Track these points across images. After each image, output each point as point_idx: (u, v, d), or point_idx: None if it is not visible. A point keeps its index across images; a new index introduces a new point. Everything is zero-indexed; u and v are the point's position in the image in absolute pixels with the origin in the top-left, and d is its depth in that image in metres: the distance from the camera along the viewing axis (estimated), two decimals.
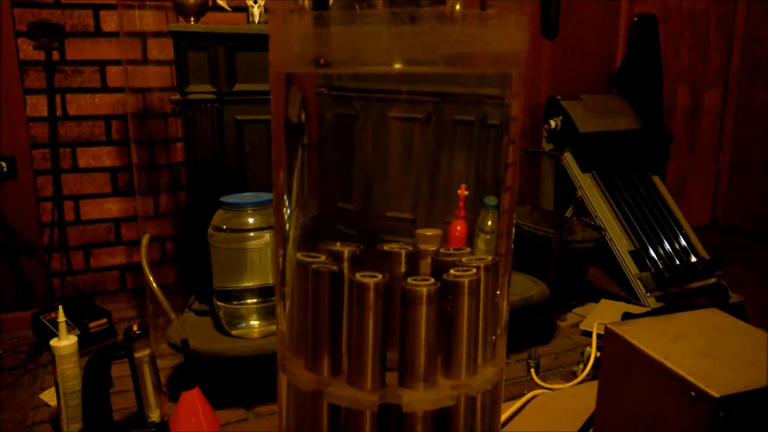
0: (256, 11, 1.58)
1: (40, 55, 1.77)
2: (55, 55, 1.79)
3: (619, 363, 0.87)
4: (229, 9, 1.62)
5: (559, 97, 2.33)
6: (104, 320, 1.71)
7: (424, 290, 0.51)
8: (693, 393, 0.75)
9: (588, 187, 2.22)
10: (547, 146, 2.36)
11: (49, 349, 1.29)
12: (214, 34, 1.48)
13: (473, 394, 0.55)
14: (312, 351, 0.55)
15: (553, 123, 2.29)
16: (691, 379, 0.75)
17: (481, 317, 0.56)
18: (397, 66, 0.41)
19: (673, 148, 2.74)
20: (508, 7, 0.44)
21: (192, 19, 1.52)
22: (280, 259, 0.58)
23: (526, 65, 0.50)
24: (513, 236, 0.58)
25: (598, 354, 1.48)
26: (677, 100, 2.86)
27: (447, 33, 0.41)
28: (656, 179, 2.37)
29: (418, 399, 0.52)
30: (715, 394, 0.72)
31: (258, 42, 1.52)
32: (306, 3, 0.45)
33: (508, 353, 1.61)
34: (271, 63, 0.51)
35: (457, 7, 0.42)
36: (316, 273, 0.53)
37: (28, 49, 1.75)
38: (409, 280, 0.52)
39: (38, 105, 1.79)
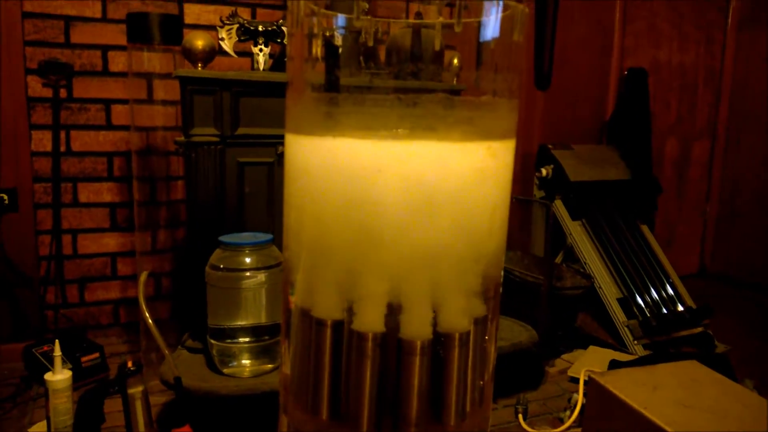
0: (260, 58, 1.65)
1: (48, 92, 1.83)
2: (63, 93, 1.86)
3: (602, 411, 0.92)
4: (235, 55, 1.69)
5: (550, 146, 2.41)
6: (96, 354, 1.74)
7: (418, 342, 0.56)
8: None
9: (578, 235, 2.28)
10: (538, 193, 2.43)
11: (41, 382, 1.32)
12: (220, 80, 1.55)
13: None
14: (312, 394, 0.59)
15: (544, 171, 2.37)
16: (669, 429, 0.79)
17: (470, 366, 0.61)
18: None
19: (662, 197, 2.82)
20: (501, 92, 0.50)
21: (200, 65, 1.59)
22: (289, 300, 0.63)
23: (516, 136, 0.56)
24: (502, 282, 0.63)
25: (585, 401, 1.52)
26: (666, 150, 2.95)
27: (446, 116, 0.47)
28: (645, 228, 2.44)
29: None
30: None
31: (261, 88, 1.59)
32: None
33: (496, 398, 1.66)
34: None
35: (457, 96, 0.48)
36: (320, 322, 0.58)
37: (36, 86, 1.82)
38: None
39: (43, 140, 1.85)
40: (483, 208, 0.50)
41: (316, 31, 0.50)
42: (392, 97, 0.46)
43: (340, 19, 0.52)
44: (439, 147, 0.47)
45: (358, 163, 0.47)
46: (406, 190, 0.47)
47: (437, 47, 0.51)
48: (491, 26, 0.48)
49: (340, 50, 0.51)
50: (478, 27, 0.50)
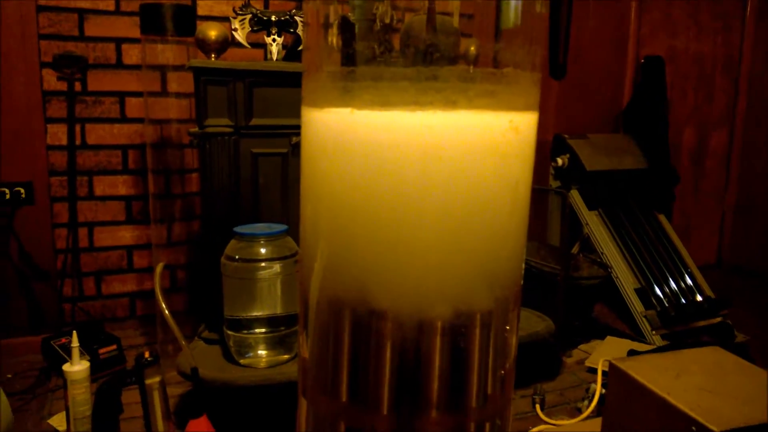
0: (274, 48, 1.65)
1: (62, 86, 1.84)
2: (77, 86, 1.86)
3: (623, 398, 0.91)
4: (248, 46, 1.69)
5: (566, 136, 2.39)
6: (114, 346, 1.75)
7: (439, 323, 0.55)
8: (694, 428, 0.78)
9: (594, 225, 2.26)
10: (554, 183, 2.41)
11: (59, 373, 1.33)
12: (234, 71, 1.54)
13: (484, 421, 0.58)
14: (332, 377, 0.59)
15: (560, 161, 2.35)
16: (693, 414, 0.78)
17: (491, 349, 0.60)
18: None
19: (680, 188, 2.79)
20: (522, 65, 0.49)
21: (213, 55, 1.58)
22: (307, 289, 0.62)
23: (538, 111, 0.55)
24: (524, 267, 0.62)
25: (603, 391, 1.50)
26: (683, 140, 2.92)
27: (466, 89, 0.46)
28: (662, 218, 2.41)
29: (431, 423, 0.55)
30: (716, 429, 0.76)
31: (275, 78, 1.59)
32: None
33: (514, 388, 1.64)
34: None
35: (471, 69, 0.47)
36: (338, 304, 0.57)
37: (51, 80, 1.83)
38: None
39: (58, 134, 1.86)
40: (505, 184, 0.49)
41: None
42: (411, 70, 0.45)
43: None
44: (459, 120, 0.46)
45: (375, 137, 0.46)
46: (424, 165, 0.46)
47: (456, 23, 0.49)
48: None
49: (357, 25, 0.50)
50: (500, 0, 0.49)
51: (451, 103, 0.46)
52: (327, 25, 0.52)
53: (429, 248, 0.52)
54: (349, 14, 0.53)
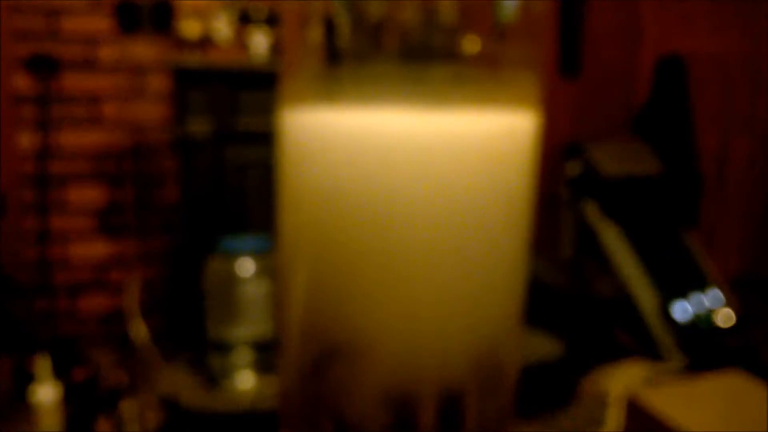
0: (260, 47, 1.64)
1: (34, 90, 1.83)
2: (51, 89, 1.86)
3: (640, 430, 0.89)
4: (232, 44, 1.68)
5: (579, 141, 2.38)
6: (88, 368, 1.73)
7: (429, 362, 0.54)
8: None
9: (611, 238, 2.24)
10: (565, 192, 2.40)
11: (30, 398, 1.31)
12: (217, 71, 1.54)
13: None
14: (313, 409, 0.57)
15: (572, 168, 2.33)
16: None
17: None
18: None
19: (702, 196, 2.77)
20: (520, 63, 0.48)
21: (194, 54, 1.58)
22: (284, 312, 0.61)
23: (541, 113, 0.53)
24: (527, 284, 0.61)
25: (621, 421, 1.48)
26: (703, 146, 2.91)
27: (458, 89, 0.45)
28: (683, 229, 2.39)
29: None
30: None
31: (262, 79, 1.58)
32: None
33: (522, 416, 1.62)
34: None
35: (464, 67, 0.46)
36: (317, 339, 0.56)
37: (23, 83, 1.82)
38: None
39: (31, 140, 1.85)
40: (500, 193, 0.48)
41: None
42: (399, 69, 0.44)
43: None
44: (450, 124, 0.45)
45: (359, 140, 0.45)
46: (413, 171, 0.45)
47: (449, 18, 0.48)
48: None
49: (341, 22, 0.49)
50: None
51: (440, 104, 0.45)
52: (307, 22, 0.51)
53: (420, 264, 0.50)
54: (333, 10, 0.52)
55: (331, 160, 0.52)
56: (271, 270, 1.43)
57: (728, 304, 2.28)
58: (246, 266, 1.42)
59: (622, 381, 1.70)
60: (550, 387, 1.84)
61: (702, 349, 2.08)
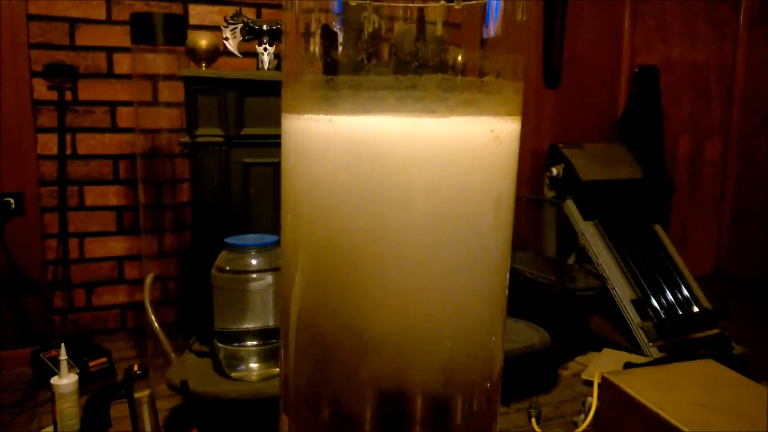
0: (265, 58, 1.64)
1: (53, 95, 1.83)
2: (68, 96, 1.86)
3: (617, 412, 0.89)
4: (240, 55, 1.68)
5: (561, 145, 2.38)
6: (103, 359, 1.73)
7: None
8: None
9: (590, 235, 2.25)
10: (549, 193, 2.40)
11: (48, 387, 1.31)
12: (225, 80, 1.54)
13: None
14: (313, 394, 0.57)
15: (555, 170, 2.34)
16: (685, 429, 0.77)
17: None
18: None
19: (676, 197, 2.78)
20: (504, 73, 0.48)
21: (203, 64, 1.58)
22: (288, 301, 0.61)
23: (524, 119, 0.54)
24: (509, 278, 0.61)
25: (599, 403, 1.49)
26: (679, 149, 2.92)
27: (446, 98, 0.45)
28: (658, 228, 2.40)
29: None
30: None
31: (266, 87, 1.58)
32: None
33: (508, 401, 1.63)
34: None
35: (458, 78, 0.46)
36: (318, 324, 0.56)
37: (42, 89, 1.82)
38: None
39: (49, 143, 1.85)
40: (488, 196, 0.48)
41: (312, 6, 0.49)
42: (391, 78, 0.45)
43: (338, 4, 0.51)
44: (439, 130, 0.45)
45: (354, 145, 0.45)
46: (405, 176, 0.45)
47: (438, 32, 0.49)
48: (494, 5, 0.47)
49: (339, 33, 0.50)
50: (482, 8, 0.48)
51: (430, 112, 0.45)
52: (307, 34, 0.51)
53: (414, 261, 0.51)
54: (332, 23, 0.52)
55: (328, 163, 0.53)
56: (275, 266, 1.43)
57: (700, 298, 2.29)
58: (252, 262, 1.42)
59: (599, 368, 1.71)
60: (536, 373, 1.85)
61: (676, 339, 2.09)
